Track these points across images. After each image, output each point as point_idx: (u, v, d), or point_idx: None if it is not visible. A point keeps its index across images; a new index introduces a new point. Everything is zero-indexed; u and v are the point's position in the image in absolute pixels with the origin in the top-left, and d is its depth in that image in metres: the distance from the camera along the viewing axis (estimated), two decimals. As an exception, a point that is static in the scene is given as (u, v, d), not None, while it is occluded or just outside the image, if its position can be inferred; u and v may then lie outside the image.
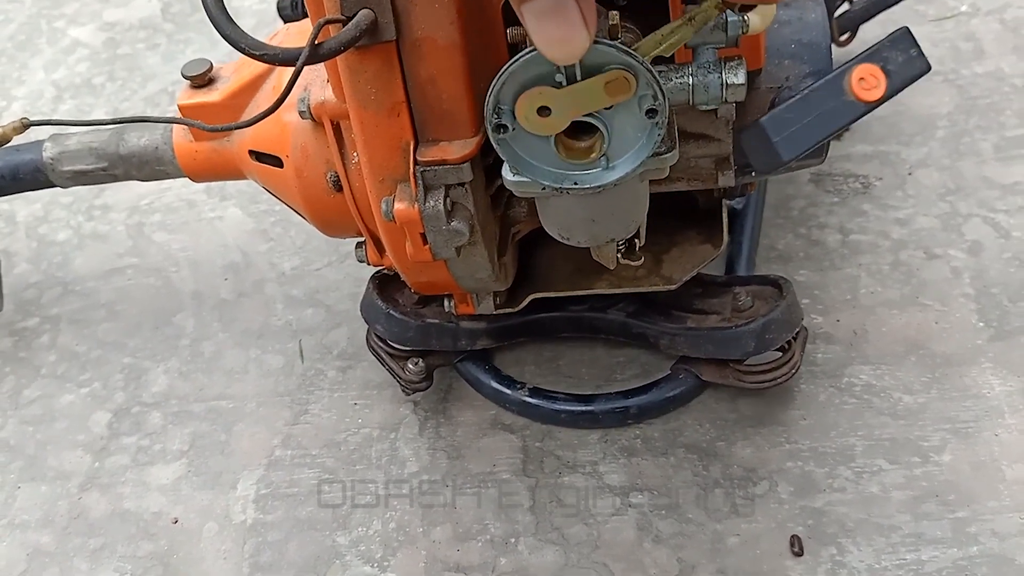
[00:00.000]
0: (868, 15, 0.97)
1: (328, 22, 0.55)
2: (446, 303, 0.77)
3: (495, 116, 0.52)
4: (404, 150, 0.60)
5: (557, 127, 0.51)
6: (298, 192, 0.71)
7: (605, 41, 0.48)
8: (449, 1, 0.56)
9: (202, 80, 0.74)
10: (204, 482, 0.83)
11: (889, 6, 0.97)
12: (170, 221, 1.04)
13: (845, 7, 0.95)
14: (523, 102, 0.50)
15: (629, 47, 0.50)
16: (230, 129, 0.56)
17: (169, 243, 1.02)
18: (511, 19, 0.58)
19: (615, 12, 0.55)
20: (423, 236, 0.62)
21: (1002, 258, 0.86)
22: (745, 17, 0.52)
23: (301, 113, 0.66)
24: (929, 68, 0.54)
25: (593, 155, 0.53)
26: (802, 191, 0.95)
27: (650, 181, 0.64)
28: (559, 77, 0.50)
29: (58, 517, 0.83)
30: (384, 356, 0.82)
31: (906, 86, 0.54)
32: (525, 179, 0.55)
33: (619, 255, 0.65)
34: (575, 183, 0.54)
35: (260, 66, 0.73)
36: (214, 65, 0.75)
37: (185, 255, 1.01)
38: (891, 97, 0.53)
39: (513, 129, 0.52)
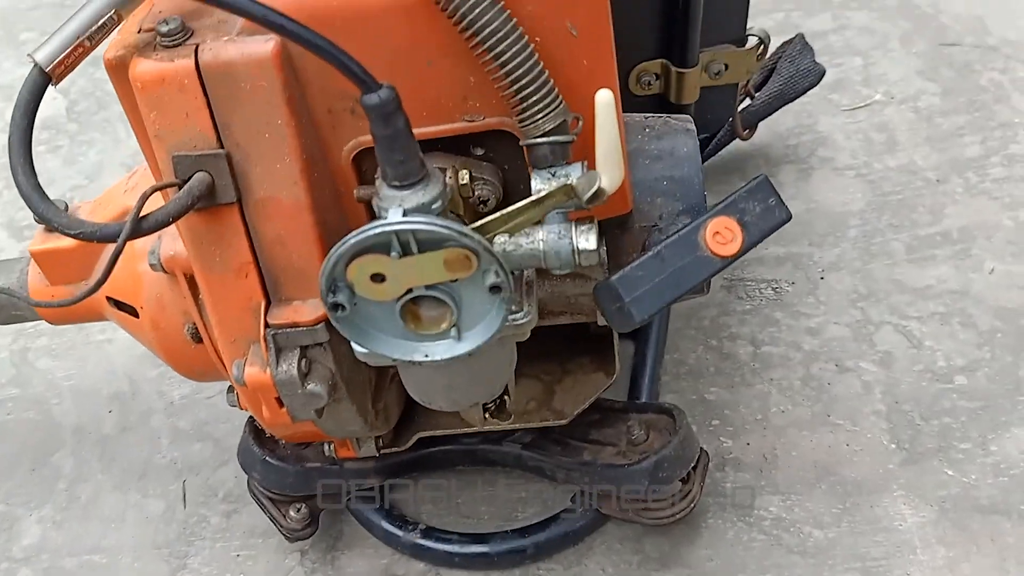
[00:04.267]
0: (770, 110, 0.96)
1: (157, 189, 0.52)
2: (326, 447, 0.72)
3: (331, 294, 0.48)
4: (255, 311, 0.56)
5: (392, 294, 0.48)
6: (156, 343, 0.66)
7: (441, 222, 0.45)
8: (292, 160, 0.52)
9: (56, 223, 0.69)
10: (74, 647, 0.77)
11: (789, 101, 0.96)
12: (56, 346, 0.98)
13: (747, 103, 0.94)
14: (355, 267, 0.46)
15: (483, 204, 0.47)
16: (46, 306, 0.52)
17: (53, 370, 0.96)
18: (362, 177, 0.55)
19: (465, 172, 0.52)
20: (279, 400, 0.58)
21: (913, 370, 0.83)
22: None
23: (152, 265, 0.62)
24: (789, 217, 0.51)
25: (443, 326, 0.50)
26: (714, 299, 0.92)
27: (537, 313, 0.60)
28: (393, 253, 0.46)
29: None
30: (265, 502, 0.76)
31: (764, 238, 0.51)
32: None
33: (486, 415, 0.61)
34: (426, 355, 0.50)
35: (118, 206, 0.68)
36: (70, 206, 0.70)
37: (69, 384, 0.95)
38: (748, 251, 0.50)
39: (354, 304, 0.49)
